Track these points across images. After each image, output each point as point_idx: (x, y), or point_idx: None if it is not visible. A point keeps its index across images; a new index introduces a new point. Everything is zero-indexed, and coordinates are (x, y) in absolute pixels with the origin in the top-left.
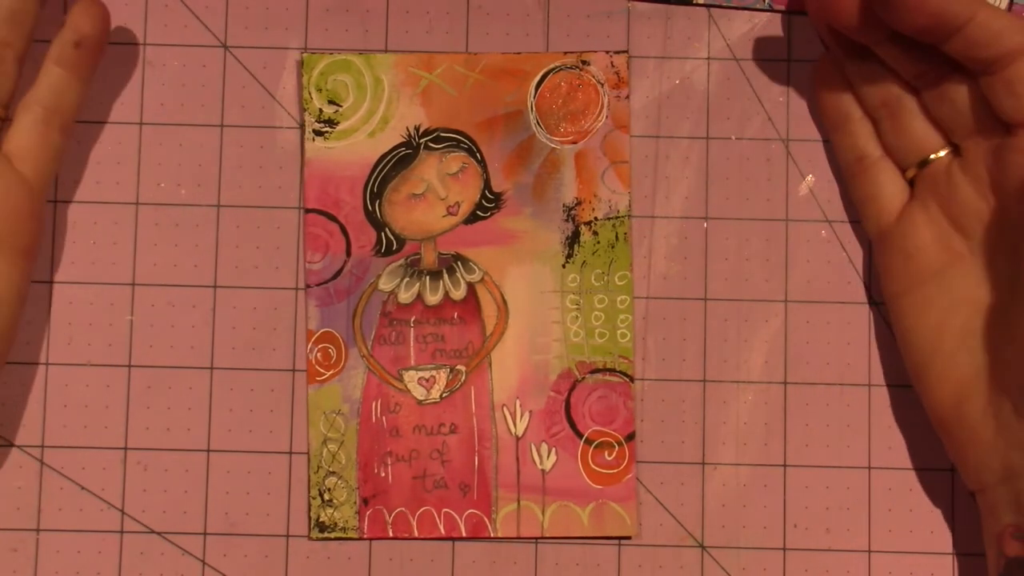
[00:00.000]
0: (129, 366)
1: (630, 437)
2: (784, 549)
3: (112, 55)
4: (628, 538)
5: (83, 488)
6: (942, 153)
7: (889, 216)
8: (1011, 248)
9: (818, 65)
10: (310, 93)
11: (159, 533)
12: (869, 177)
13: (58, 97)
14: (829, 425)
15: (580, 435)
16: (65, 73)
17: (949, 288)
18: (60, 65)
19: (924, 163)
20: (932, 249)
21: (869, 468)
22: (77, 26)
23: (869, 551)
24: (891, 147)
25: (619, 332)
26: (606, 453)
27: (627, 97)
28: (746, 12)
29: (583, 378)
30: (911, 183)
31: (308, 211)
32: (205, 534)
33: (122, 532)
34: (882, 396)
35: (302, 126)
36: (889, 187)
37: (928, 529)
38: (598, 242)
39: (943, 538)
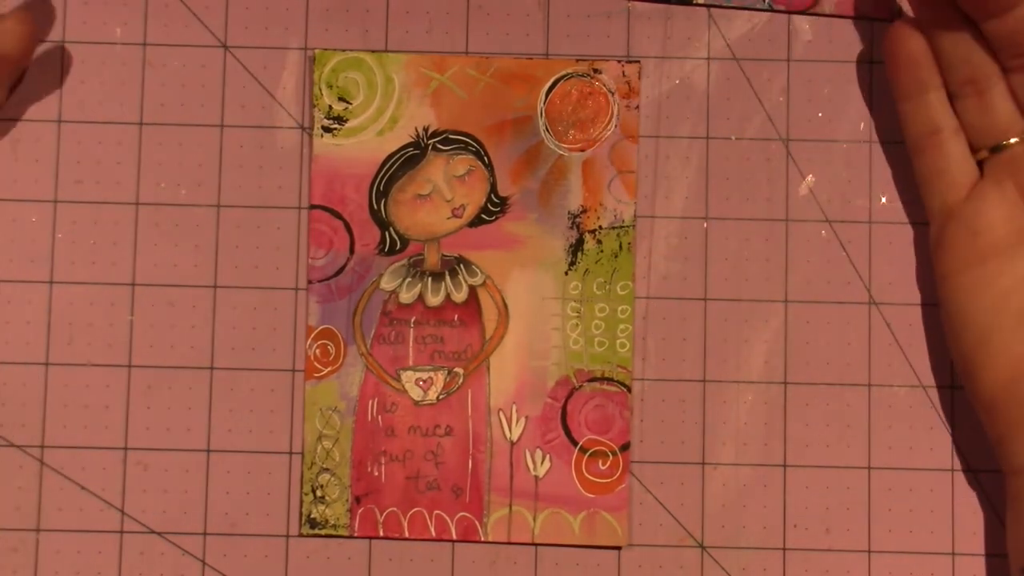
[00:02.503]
0: (129, 366)
1: (625, 447)
2: (784, 549)
3: (112, 55)
4: (618, 548)
5: (83, 488)
6: (1013, 140)
7: (958, 192)
8: None
9: (895, 29)
10: (320, 89)
11: (159, 533)
12: (941, 151)
13: None
14: (829, 425)
15: (575, 443)
16: None
17: (1014, 266)
18: None
19: (997, 148)
20: (1001, 227)
21: (869, 468)
22: None
23: (869, 551)
24: (970, 125)
25: (618, 342)
26: (600, 462)
27: (637, 107)
28: (746, 12)
29: (581, 386)
30: (979, 164)
31: (313, 207)
32: (205, 534)
33: (122, 532)
34: (882, 396)
35: (310, 125)
36: (961, 163)
37: (928, 529)
38: (601, 251)
39: (943, 538)
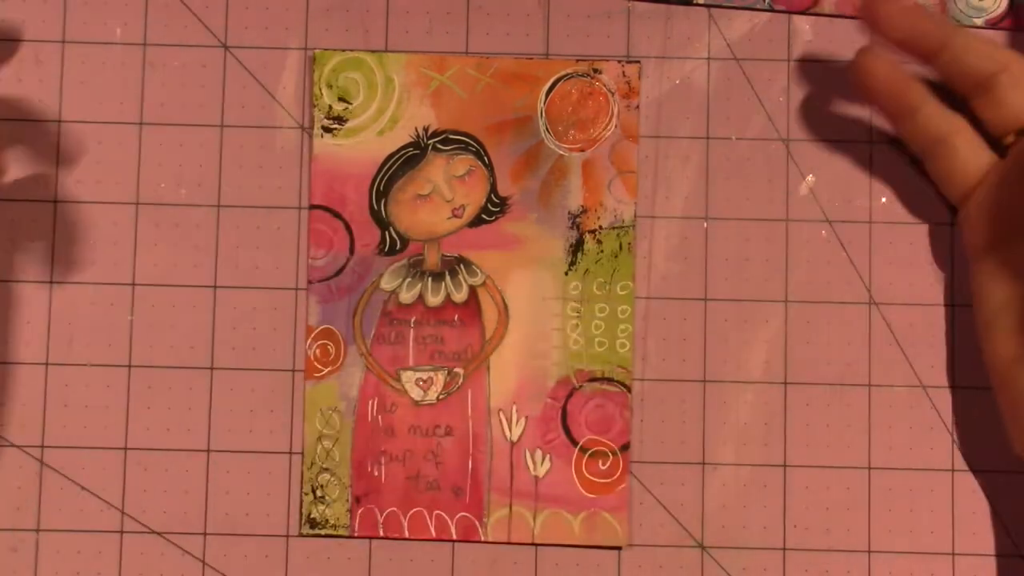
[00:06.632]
0: (129, 366)
1: (625, 447)
2: (784, 549)
3: (112, 55)
4: (618, 548)
5: (83, 488)
6: None
7: (976, 179)
8: None
9: (863, 62)
10: (320, 89)
11: (159, 533)
12: (952, 153)
13: None
14: (829, 425)
15: (575, 443)
16: None
17: None
18: None
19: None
20: None
21: (869, 468)
22: None
23: (869, 551)
24: (986, 119)
25: (619, 342)
26: (600, 462)
27: (637, 107)
28: (746, 12)
29: (581, 386)
30: (1006, 148)
31: (313, 207)
32: (205, 534)
33: (122, 532)
34: (882, 396)
35: (310, 124)
36: (975, 156)
37: (928, 529)
38: (602, 251)
39: (943, 538)
